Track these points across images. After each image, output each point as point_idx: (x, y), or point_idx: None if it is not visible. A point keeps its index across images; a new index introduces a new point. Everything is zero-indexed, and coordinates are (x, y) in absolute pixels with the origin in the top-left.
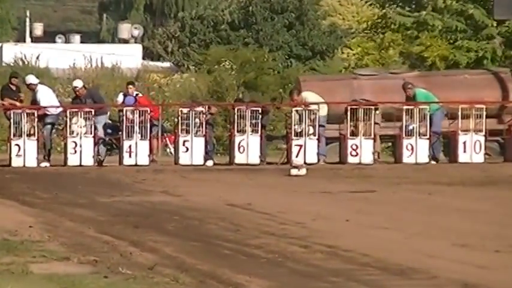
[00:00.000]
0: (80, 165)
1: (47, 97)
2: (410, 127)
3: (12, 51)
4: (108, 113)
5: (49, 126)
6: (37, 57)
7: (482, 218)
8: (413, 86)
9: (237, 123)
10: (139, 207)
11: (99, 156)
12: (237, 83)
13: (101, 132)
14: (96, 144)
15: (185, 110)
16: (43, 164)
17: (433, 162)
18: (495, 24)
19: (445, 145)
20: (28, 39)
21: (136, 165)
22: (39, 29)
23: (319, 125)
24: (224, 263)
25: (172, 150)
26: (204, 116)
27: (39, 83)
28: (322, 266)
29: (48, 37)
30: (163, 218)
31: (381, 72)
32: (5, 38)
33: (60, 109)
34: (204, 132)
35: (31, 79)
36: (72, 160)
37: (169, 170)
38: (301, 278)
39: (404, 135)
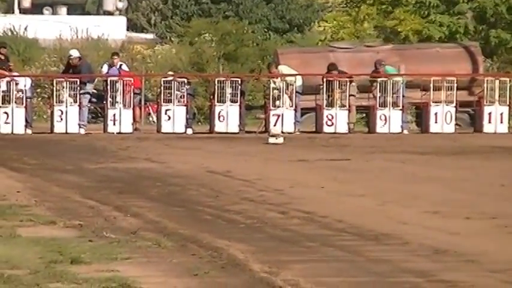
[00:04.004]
0: (66, 133)
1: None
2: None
3: (1, 23)
4: (95, 80)
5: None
6: (25, 28)
7: (453, 186)
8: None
9: (217, 93)
10: (123, 173)
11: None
12: (217, 55)
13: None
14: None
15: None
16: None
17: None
18: (466, 0)
19: (417, 116)
20: (16, 10)
21: (120, 133)
22: (27, 1)
23: (296, 92)
24: (205, 228)
25: (154, 118)
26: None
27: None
28: (299, 231)
29: (35, 9)
30: (146, 184)
31: (356, 45)
32: None
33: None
34: (185, 102)
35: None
36: (59, 128)
37: (152, 138)
38: (279, 243)
39: (378, 106)
